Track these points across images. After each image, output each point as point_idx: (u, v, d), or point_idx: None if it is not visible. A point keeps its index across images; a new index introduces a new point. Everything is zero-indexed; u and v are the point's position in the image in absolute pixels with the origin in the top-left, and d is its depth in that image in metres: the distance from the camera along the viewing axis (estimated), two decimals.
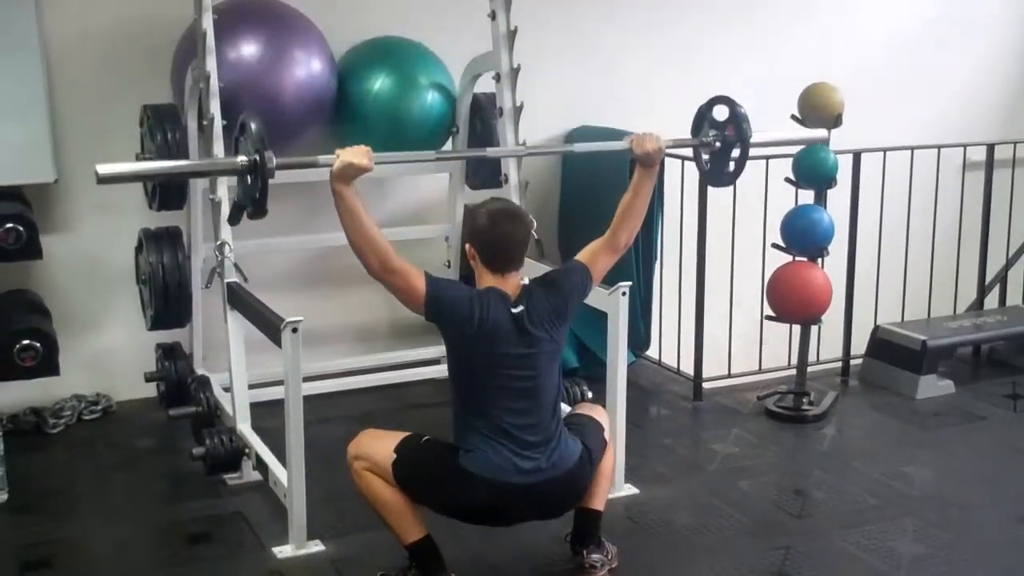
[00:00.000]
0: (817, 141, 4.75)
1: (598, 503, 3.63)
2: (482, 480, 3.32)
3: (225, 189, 4.34)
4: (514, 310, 3.38)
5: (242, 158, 3.38)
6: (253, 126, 3.34)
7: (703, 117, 4.05)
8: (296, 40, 4.91)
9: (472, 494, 3.34)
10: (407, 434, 3.47)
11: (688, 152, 5.34)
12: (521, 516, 3.48)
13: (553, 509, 3.52)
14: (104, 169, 3.22)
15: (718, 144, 4.04)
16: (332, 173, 3.29)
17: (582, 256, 3.67)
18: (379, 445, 3.44)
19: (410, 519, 3.42)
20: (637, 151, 3.70)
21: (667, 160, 5.48)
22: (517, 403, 3.38)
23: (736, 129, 3.98)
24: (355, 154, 3.28)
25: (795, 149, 5.13)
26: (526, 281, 3.51)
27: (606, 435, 3.67)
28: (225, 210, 4.33)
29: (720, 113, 4.02)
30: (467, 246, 3.51)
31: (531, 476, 3.35)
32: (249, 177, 3.38)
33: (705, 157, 4.18)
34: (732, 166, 4.08)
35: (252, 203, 3.40)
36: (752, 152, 5.14)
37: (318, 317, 4.76)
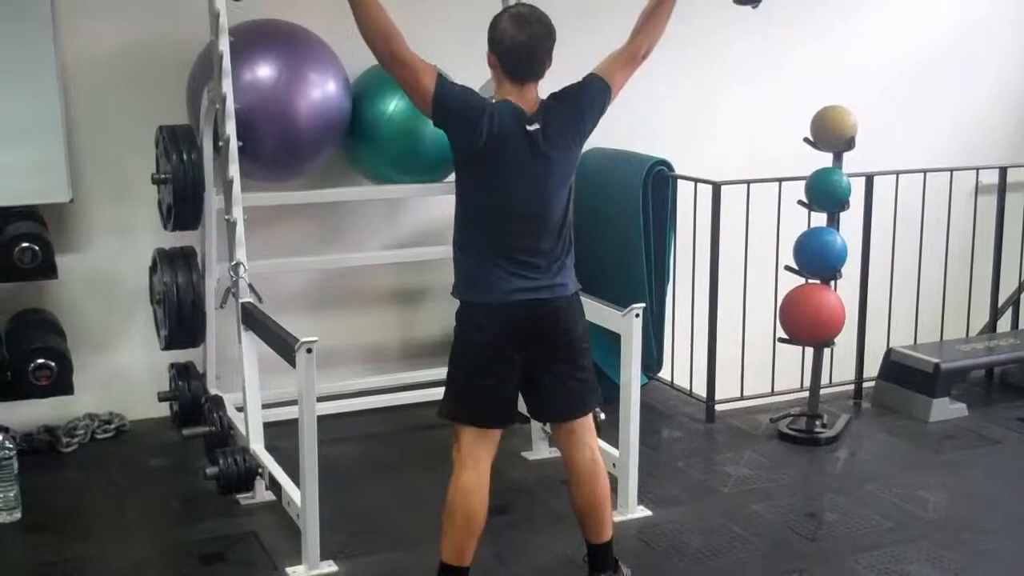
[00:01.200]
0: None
1: (605, 535, 3.58)
2: (483, 306, 3.31)
3: (240, 210, 4.36)
4: (529, 127, 3.29)
5: None
6: None
7: None
8: (311, 62, 4.93)
9: (481, 324, 3.32)
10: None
11: (701, 173, 5.39)
12: (523, 338, 3.36)
13: (548, 337, 3.40)
14: None
15: None
16: None
17: (600, 69, 3.52)
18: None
19: (470, 541, 3.38)
20: None
21: (680, 183, 5.51)
22: (523, 226, 3.33)
23: None
24: None
25: (808, 171, 5.13)
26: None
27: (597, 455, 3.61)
28: (240, 230, 4.35)
29: None
30: (488, 54, 3.37)
31: (525, 294, 3.31)
32: None
33: None
34: None
35: None
36: (765, 174, 5.14)
37: (331, 337, 4.76)
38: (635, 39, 3.57)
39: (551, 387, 3.46)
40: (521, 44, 3.31)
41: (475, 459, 3.39)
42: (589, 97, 3.45)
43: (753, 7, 3.76)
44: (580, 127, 3.42)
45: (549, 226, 3.36)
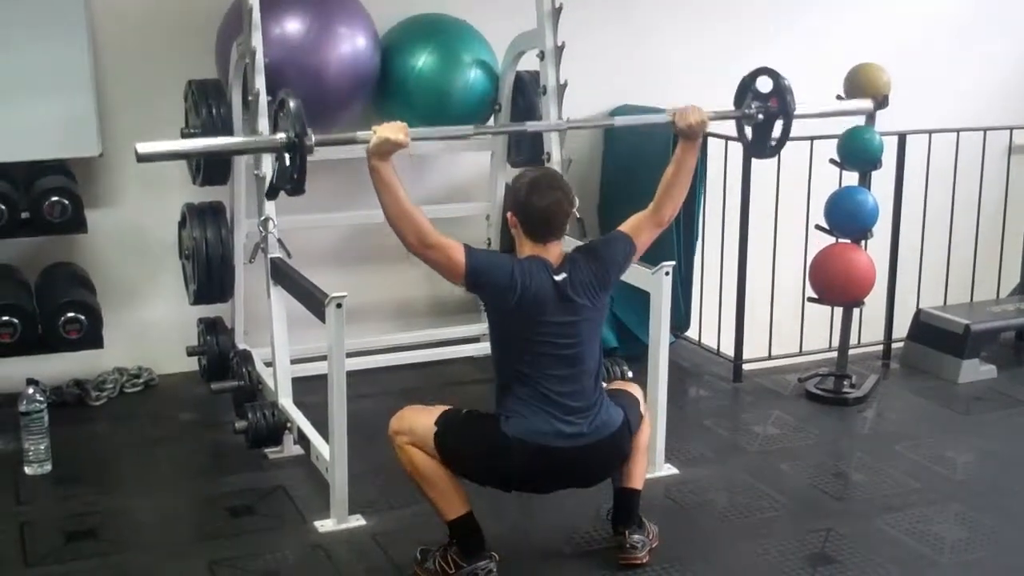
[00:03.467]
0: (862, 112, 4.65)
1: (637, 482, 3.62)
2: (523, 444, 3.32)
3: (270, 165, 4.35)
4: (556, 277, 3.38)
5: (281, 136, 3.38)
6: (292, 104, 3.34)
7: (746, 88, 4.02)
8: (340, 16, 4.91)
9: (513, 459, 3.34)
10: (448, 407, 3.49)
11: (732, 131, 5.35)
12: (561, 482, 3.49)
13: (593, 476, 3.53)
14: (143, 148, 3.24)
15: (761, 116, 4.00)
16: (369, 149, 3.30)
17: (626, 227, 3.66)
18: (421, 418, 3.45)
19: (452, 495, 3.42)
20: (680, 124, 3.69)
21: (710, 140, 5.46)
22: (560, 370, 3.38)
23: (780, 101, 3.94)
24: (392, 130, 3.29)
25: (840, 129, 5.09)
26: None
27: (642, 409, 3.68)
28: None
29: (764, 85, 3.98)
30: (509, 215, 3.50)
31: (573, 440, 3.36)
32: (288, 155, 3.39)
33: (748, 129, 4.13)
34: (775, 139, 4.03)
35: (290, 181, 3.41)
36: (796, 132, 5.10)
37: (359, 293, 4.75)
38: (659, 207, 3.69)
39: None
40: (542, 210, 3.42)
41: (410, 442, 3.44)
42: (614, 252, 3.58)
43: None
44: (604, 276, 3.49)
45: (585, 370, 3.43)
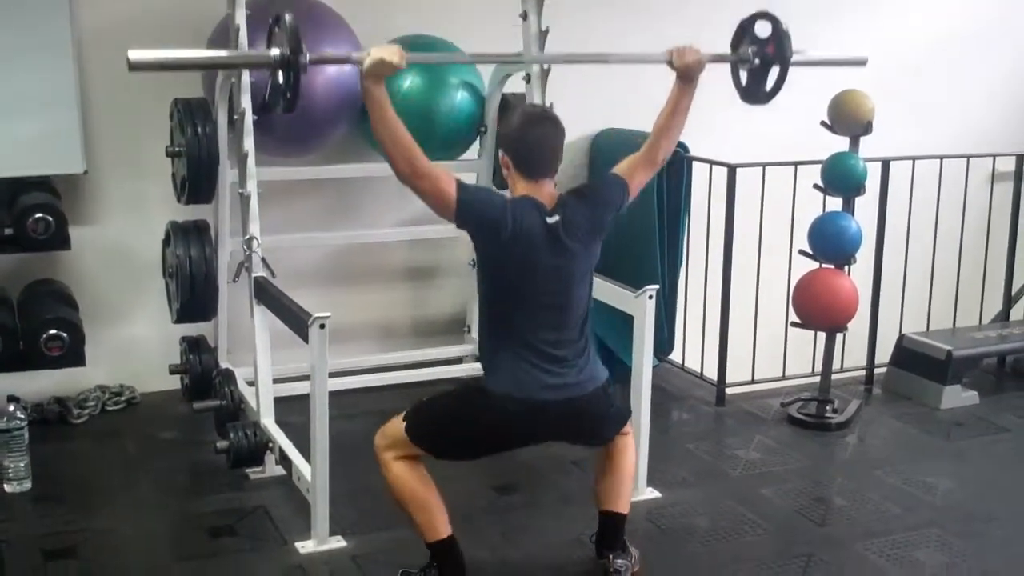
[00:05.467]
0: (858, 64, 4.51)
1: (623, 506, 3.61)
2: (506, 398, 3.30)
3: (254, 184, 4.36)
4: (549, 220, 3.33)
5: (276, 52, 3.31)
6: (288, 19, 3.25)
7: (744, 32, 3.91)
8: (327, 37, 4.90)
9: (495, 413, 3.32)
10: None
11: (716, 155, 5.37)
12: (543, 434, 3.46)
13: (574, 430, 3.49)
14: (135, 55, 3.08)
15: (757, 61, 3.89)
16: (363, 71, 3.21)
17: (620, 170, 3.60)
18: (393, 424, 3.45)
19: (435, 516, 3.41)
20: (677, 63, 3.62)
21: (695, 164, 5.48)
22: (547, 317, 3.34)
23: (777, 47, 3.82)
24: (387, 51, 3.21)
25: (824, 155, 5.11)
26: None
27: (628, 426, 3.66)
28: (254, 204, 4.35)
29: (762, 29, 3.87)
30: (500, 155, 3.44)
31: (557, 392, 3.32)
32: (281, 72, 3.33)
33: (743, 74, 4.01)
34: (770, 85, 3.91)
35: (283, 99, 3.35)
36: (780, 157, 5.12)
37: (343, 313, 4.75)
38: (654, 145, 3.64)
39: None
40: (533, 144, 3.38)
41: (408, 459, 3.43)
42: (607, 192, 3.53)
43: None
44: (598, 220, 3.44)
45: (573, 317, 3.40)
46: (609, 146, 5.68)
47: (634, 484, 4.14)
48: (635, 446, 3.74)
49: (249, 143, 4.35)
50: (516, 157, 3.39)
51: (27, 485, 4.30)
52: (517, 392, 3.31)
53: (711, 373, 5.52)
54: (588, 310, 3.47)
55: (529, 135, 3.38)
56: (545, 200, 3.37)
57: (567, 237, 3.34)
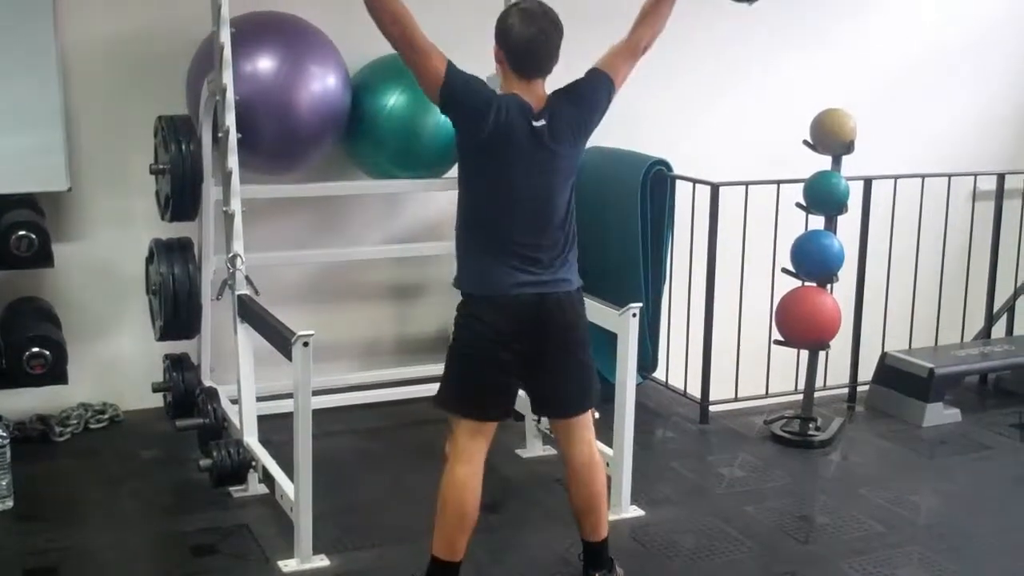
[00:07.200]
0: None
1: (602, 532, 3.60)
2: (484, 299, 3.31)
3: (238, 201, 4.36)
4: (535, 124, 3.29)
5: None
6: None
7: None
8: (312, 55, 4.92)
9: (483, 320, 3.32)
10: None
11: (699, 174, 5.38)
12: (530, 330, 3.36)
13: (543, 334, 3.39)
14: None
15: None
16: None
17: (603, 65, 3.52)
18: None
19: (460, 536, 3.39)
20: None
21: (679, 183, 5.50)
22: (526, 220, 3.32)
23: None
24: None
25: (807, 174, 5.13)
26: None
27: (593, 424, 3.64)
28: (238, 222, 4.35)
29: None
30: (495, 48, 3.36)
31: (528, 288, 3.31)
32: None
33: None
34: None
35: None
36: (763, 176, 5.13)
37: (327, 331, 4.77)
38: (636, 31, 3.56)
39: (553, 382, 3.48)
40: (528, 40, 3.30)
41: (470, 454, 3.40)
42: (594, 91, 3.46)
43: (749, 4, 3.74)
44: (585, 122, 3.42)
45: (553, 221, 3.36)
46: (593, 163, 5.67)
47: (617, 502, 4.17)
48: (602, 466, 3.64)
49: (233, 161, 4.34)
50: (511, 54, 3.32)
51: (9, 503, 4.28)
52: (494, 292, 3.30)
53: (695, 391, 5.53)
54: (570, 213, 3.43)
55: (527, 32, 3.29)
56: (534, 102, 3.32)
57: (552, 141, 3.31)
